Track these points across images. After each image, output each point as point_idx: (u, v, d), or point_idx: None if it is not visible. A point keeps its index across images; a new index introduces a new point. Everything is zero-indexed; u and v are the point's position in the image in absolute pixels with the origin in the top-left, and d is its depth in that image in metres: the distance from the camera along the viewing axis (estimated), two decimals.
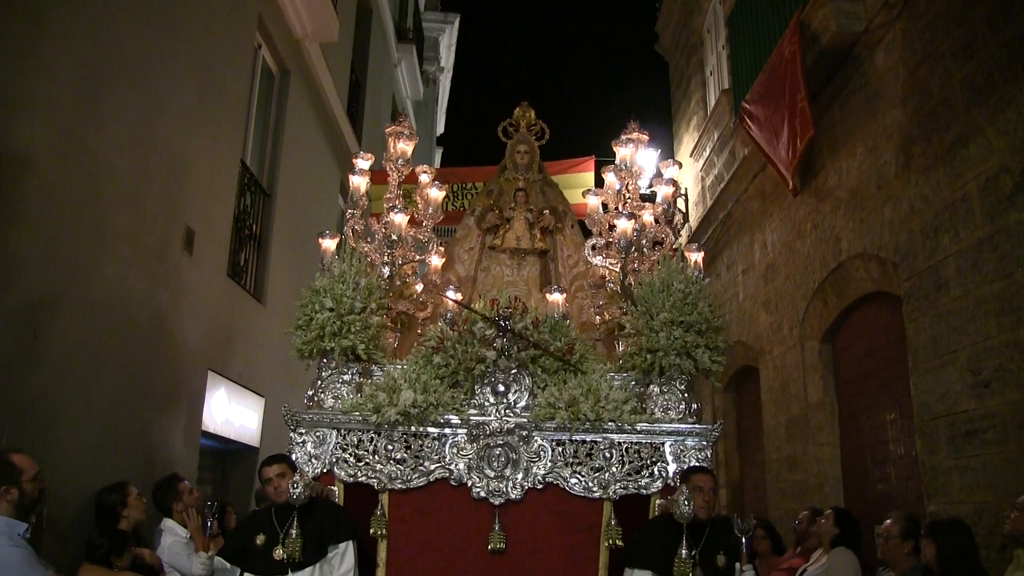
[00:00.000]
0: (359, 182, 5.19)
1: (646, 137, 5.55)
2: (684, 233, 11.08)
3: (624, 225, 5.00)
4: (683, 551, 3.87)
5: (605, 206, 5.54)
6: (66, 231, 4.43)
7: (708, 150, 10.61)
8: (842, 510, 5.22)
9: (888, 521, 4.37)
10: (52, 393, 4.27)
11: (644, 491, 4.37)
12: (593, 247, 5.21)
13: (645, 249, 5.10)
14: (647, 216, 5.20)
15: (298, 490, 3.97)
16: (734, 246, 9.56)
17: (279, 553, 3.98)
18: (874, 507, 5.98)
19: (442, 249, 5.58)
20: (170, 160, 5.64)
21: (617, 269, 5.04)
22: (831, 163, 6.78)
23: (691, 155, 11.46)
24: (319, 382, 4.63)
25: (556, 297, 4.87)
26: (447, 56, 20.67)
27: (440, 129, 22.01)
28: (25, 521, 3.27)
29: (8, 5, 3.92)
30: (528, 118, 6.12)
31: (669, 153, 12.28)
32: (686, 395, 4.56)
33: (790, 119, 6.37)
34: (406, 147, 5.28)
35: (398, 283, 5.06)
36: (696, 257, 4.97)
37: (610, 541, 4.24)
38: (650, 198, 5.54)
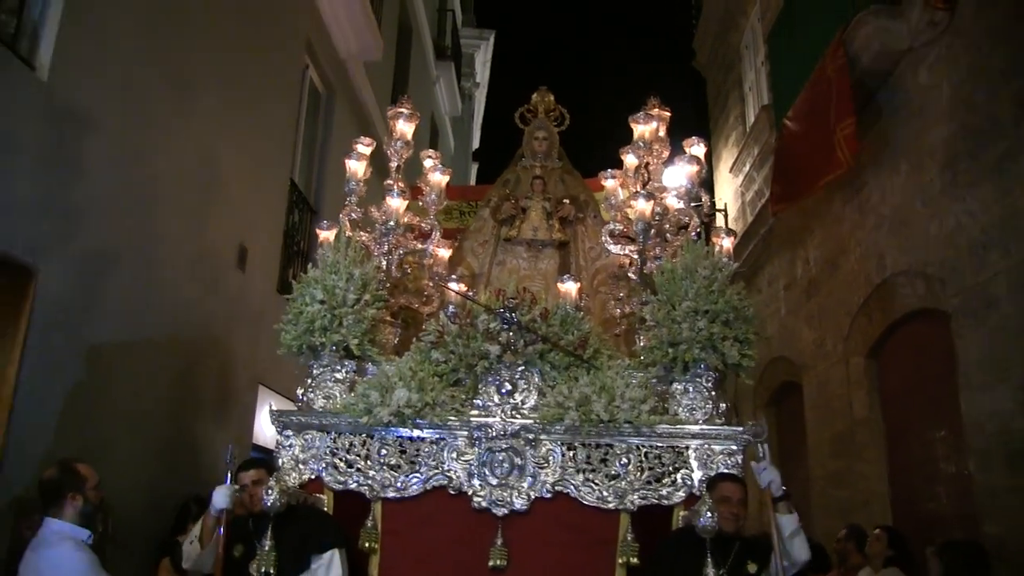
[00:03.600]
0: (356, 167, 4.76)
1: (668, 114, 5.05)
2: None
3: (642, 206, 4.44)
4: (709, 570, 3.38)
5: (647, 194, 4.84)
6: (126, 249, 4.60)
7: (748, 165, 10.61)
8: (895, 530, 5.13)
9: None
10: (107, 406, 4.41)
11: (665, 501, 3.85)
12: (611, 233, 4.66)
13: (668, 235, 4.60)
14: (669, 199, 4.67)
15: (272, 496, 3.55)
16: (775, 262, 9.54)
17: (254, 567, 3.58)
18: (924, 527, 5.91)
19: (447, 241, 5.17)
20: (224, 178, 5.82)
21: (636, 256, 4.49)
22: (874, 180, 6.76)
23: (730, 171, 11.45)
24: (309, 380, 4.24)
25: (569, 287, 4.37)
26: (482, 72, 20.87)
27: (476, 144, 22.19)
28: (87, 528, 3.37)
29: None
30: (547, 103, 5.67)
31: (708, 168, 12.25)
32: (713, 393, 4.01)
33: (829, 145, 6.37)
34: (406, 128, 4.91)
35: (398, 275, 4.65)
36: (725, 243, 4.55)
37: (626, 558, 3.75)
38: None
